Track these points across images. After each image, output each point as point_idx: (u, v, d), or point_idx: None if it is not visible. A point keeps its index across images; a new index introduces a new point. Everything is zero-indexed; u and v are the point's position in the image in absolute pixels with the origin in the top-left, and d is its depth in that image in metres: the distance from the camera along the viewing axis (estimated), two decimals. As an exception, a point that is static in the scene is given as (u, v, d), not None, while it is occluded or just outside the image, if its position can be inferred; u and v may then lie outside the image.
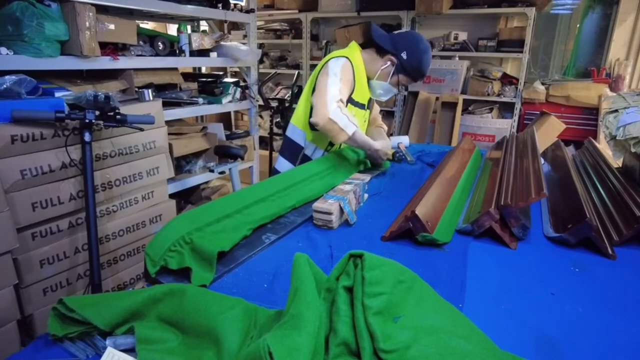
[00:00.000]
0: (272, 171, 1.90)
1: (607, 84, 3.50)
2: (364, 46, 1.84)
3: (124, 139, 1.81)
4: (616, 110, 1.61)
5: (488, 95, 3.78)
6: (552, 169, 1.74)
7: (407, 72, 1.72)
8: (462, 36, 3.89)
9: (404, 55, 1.70)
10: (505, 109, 3.96)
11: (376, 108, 1.97)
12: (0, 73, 1.55)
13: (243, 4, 2.94)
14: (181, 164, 2.54)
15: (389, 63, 1.73)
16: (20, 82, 1.54)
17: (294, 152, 1.82)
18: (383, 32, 1.81)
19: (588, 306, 0.85)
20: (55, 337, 0.72)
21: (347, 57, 1.68)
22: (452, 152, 1.90)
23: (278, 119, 3.86)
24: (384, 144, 1.73)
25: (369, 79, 1.80)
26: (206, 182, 3.19)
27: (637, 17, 3.56)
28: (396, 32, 1.94)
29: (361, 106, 1.77)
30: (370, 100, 1.86)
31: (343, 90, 1.61)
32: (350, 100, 1.70)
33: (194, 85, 2.71)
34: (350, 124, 1.56)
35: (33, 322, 1.60)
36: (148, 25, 3.15)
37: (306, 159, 1.79)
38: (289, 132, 1.85)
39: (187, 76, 2.84)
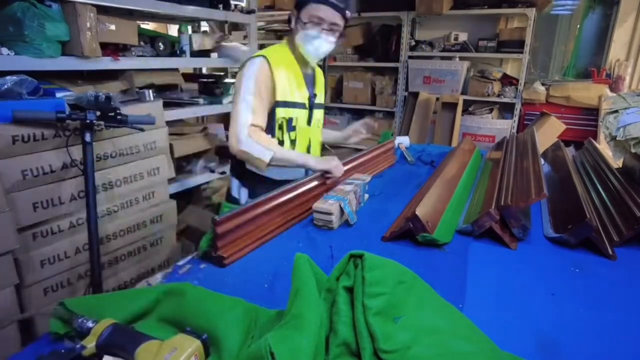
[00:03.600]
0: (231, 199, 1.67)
1: (607, 85, 3.50)
2: None
3: (124, 140, 1.82)
4: (616, 111, 1.61)
5: (488, 95, 3.78)
6: (552, 170, 1.75)
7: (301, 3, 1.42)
8: (462, 37, 3.89)
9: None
10: (506, 109, 3.96)
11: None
12: (1, 73, 1.55)
13: (244, 4, 2.94)
14: (182, 165, 2.54)
15: (292, 19, 1.46)
16: (21, 82, 1.55)
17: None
18: None
19: (588, 306, 0.85)
20: (57, 336, 0.73)
21: (263, 56, 1.44)
22: (453, 153, 1.90)
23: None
24: (318, 158, 1.49)
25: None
26: (207, 183, 3.19)
27: (637, 17, 3.56)
28: None
29: (300, 106, 1.51)
30: (315, 95, 1.58)
31: (257, 107, 1.42)
32: (279, 104, 1.46)
33: (194, 86, 2.72)
34: (265, 150, 1.39)
35: (33, 322, 1.60)
36: (149, 25, 3.15)
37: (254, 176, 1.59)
38: None
39: (187, 77, 2.84)
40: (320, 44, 1.42)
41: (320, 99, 1.62)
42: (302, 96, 1.52)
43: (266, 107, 1.46)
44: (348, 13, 1.46)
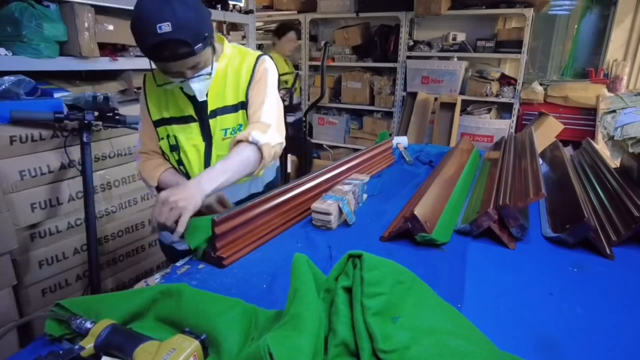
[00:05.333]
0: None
1: (605, 85, 3.51)
2: None
3: (123, 140, 1.81)
4: (614, 111, 1.61)
5: (486, 95, 3.79)
6: (551, 170, 1.75)
7: None
8: (461, 37, 3.89)
9: None
10: (504, 109, 3.97)
11: (254, 102, 1.24)
12: (-1, 74, 1.55)
13: (242, 4, 2.94)
14: (180, 165, 2.54)
15: None
16: (19, 82, 1.54)
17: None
18: None
19: (586, 306, 0.86)
20: (53, 338, 0.72)
21: (145, 75, 1.31)
22: (451, 153, 1.91)
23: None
24: (175, 191, 1.02)
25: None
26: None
27: (634, 18, 3.57)
28: None
29: (185, 120, 1.24)
30: (202, 104, 1.23)
31: (143, 131, 1.31)
32: (162, 122, 1.26)
33: (193, 86, 2.71)
34: (147, 183, 1.29)
35: (32, 323, 1.60)
36: (147, 26, 3.14)
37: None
38: None
39: (186, 77, 2.83)
40: (189, 89, 1.17)
41: (218, 102, 1.24)
42: (180, 110, 1.25)
43: (148, 133, 1.30)
44: (201, 45, 1.07)
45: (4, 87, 1.50)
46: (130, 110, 1.78)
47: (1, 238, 1.41)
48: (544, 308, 0.85)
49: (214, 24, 3.28)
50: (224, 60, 1.25)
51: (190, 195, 1.00)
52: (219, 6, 2.61)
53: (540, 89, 3.63)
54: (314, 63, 4.60)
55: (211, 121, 1.25)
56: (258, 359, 0.57)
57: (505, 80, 3.78)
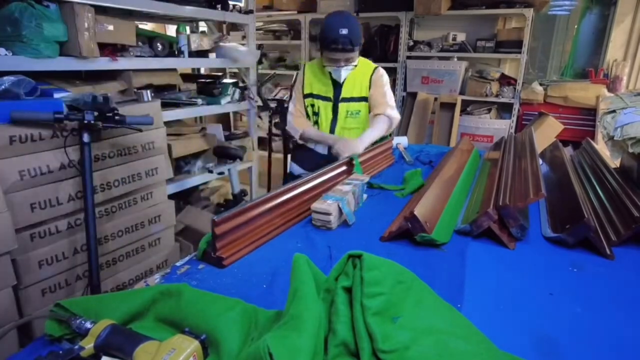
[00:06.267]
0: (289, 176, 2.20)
1: (605, 85, 3.51)
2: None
3: (122, 140, 1.81)
4: (614, 111, 1.61)
5: (486, 95, 3.79)
6: (551, 170, 1.75)
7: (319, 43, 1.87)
8: (461, 37, 3.89)
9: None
10: (504, 109, 3.97)
11: (377, 97, 1.97)
12: (-1, 74, 1.55)
13: (242, 5, 2.94)
14: (180, 165, 2.53)
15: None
16: (19, 82, 1.54)
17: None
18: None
19: (586, 306, 0.86)
20: (53, 338, 0.72)
21: (304, 64, 2.07)
22: (451, 153, 1.91)
23: (277, 120, 3.85)
24: (339, 141, 1.84)
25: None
26: (205, 183, 3.19)
27: (634, 18, 3.57)
28: None
29: (324, 99, 1.98)
30: (338, 91, 1.96)
31: (297, 101, 2.04)
32: (311, 95, 2.00)
33: (193, 86, 2.71)
34: (296, 129, 2.02)
35: (32, 323, 1.60)
36: (147, 26, 3.15)
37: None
38: None
39: (186, 77, 2.83)
40: (338, 73, 1.89)
41: (348, 93, 1.96)
42: (326, 91, 1.97)
43: (301, 104, 2.04)
44: (357, 47, 1.82)
45: (3, 87, 1.50)
46: (130, 111, 1.78)
47: (1, 238, 1.41)
48: (544, 308, 0.85)
49: (213, 24, 3.28)
50: (357, 67, 1.93)
51: (358, 146, 1.78)
52: (218, 6, 2.61)
53: (540, 89, 3.63)
54: (313, 63, 4.59)
55: (340, 104, 1.98)
56: (258, 359, 0.57)
57: (505, 81, 3.78)
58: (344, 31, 1.73)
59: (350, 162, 1.67)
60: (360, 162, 1.73)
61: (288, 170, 2.24)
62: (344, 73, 1.89)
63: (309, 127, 2.01)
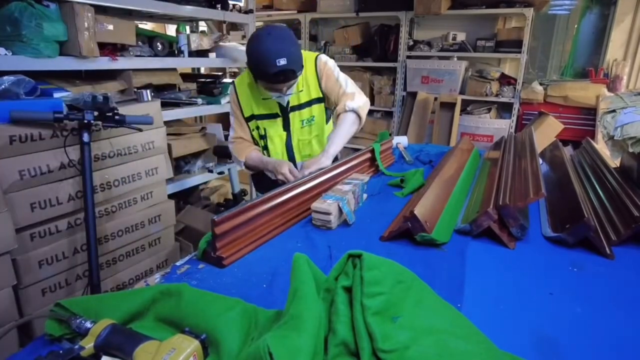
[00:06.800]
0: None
1: (605, 84, 3.51)
2: None
3: (122, 140, 1.81)
4: (614, 111, 1.62)
5: (486, 95, 3.79)
6: (551, 169, 1.75)
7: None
8: (461, 37, 3.89)
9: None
10: (504, 109, 3.97)
11: (331, 88, 1.66)
12: (-2, 74, 1.55)
13: (242, 4, 2.94)
14: (180, 165, 2.54)
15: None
16: (19, 82, 1.54)
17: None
18: None
19: (586, 306, 0.86)
20: (53, 338, 0.72)
21: (233, 82, 1.71)
22: (451, 153, 1.91)
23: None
24: (278, 162, 1.60)
25: None
26: (205, 183, 3.19)
27: (634, 17, 3.57)
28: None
29: (270, 117, 1.67)
30: (286, 103, 1.63)
31: (236, 126, 1.73)
32: (253, 117, 1.68)
33: (192, 86, 2.71)
34: (239, 160, 1.74)
35: (32, 323, 1.60)
36: (147, 25, 3.15)
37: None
38: None
39: (185, 77, 2.84)
40: (282, 99, 1.59)
41: (296, 100, 1.65)
42: (269, 108, 1.66)
43: (241, 126, 1.73)
44: (300, 72, 1.52)
45: (3, 86, 1.50)
46: (130, 110, 1.78)
47: (1, 238, 1.41)
48: (544, 308, 0.85)
49: (213, 23, 3.28)
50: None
51: (322, 162, 1.54)
52: (218, 6, 2.61)
53: (540, 88, 3.63)
54: (313, 63, 4.59)
55: (292, 115, 1.67)
56: (258, 359, 0.57)
57: (505, 80, 3.78)
58: (282, 61, 1.39)
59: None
60: (361, 161, 1.73)
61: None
62: (288, 97, 1.59)
63: (251, 152, 1.72)
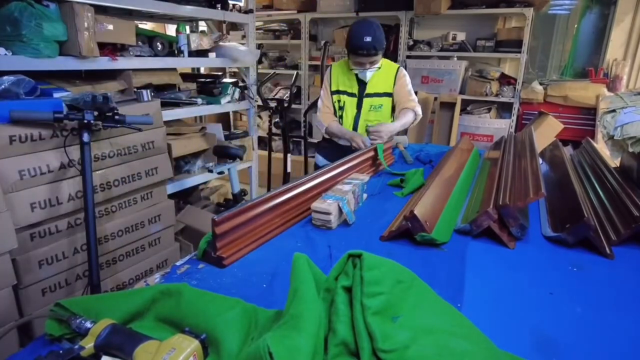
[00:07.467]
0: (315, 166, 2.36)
1: (605, 84, 3.51)
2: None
3: (122, 140, 1.81)
4: (614, 110, 1.61)
5: (486, 95, 3.79)
6: (550, 169, 1.75)
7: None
8: (461, 36, 3.89)
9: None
10: (504, 109, 3.97)
11: (402, 94, 2.17)
12: (-2, 74, 1.55)
13: (242, 4, 2.94)
14: (180, 165, 2.53)
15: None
16: (19, 82, 1.54)
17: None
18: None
19: (586, 306, 0.86)
20: (53, 337, 0.72)
21: (330, 65, 2.29)
22: (451, 152, 1.91)
23: (277, 120, 3.85)
24: (355, 133, 2.11)
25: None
26: (205, 183, 3.19)
27: (634, 17, 3.57)
28: None
29: (350, 95, 2.18)
30: (363, 88, 2.16)
31: (325, 97, 2.26)
32: (338, 92, 2.21)
33: (192, 86, 2.71)
34: (322, 124, 2.24)
35: (32, 323, 1.60)
36: (147, 25, 3.15)
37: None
38: None
39: (185, 77, 2.83)
40: (364, 74, 2.10)
41: (372, 90, 2.16)
42: (351, 87, 2.18)
43: (328, 99, 2.25)
44: (380, 52, 2.03)
45: (3, 86, 1.50)
46: (130, 110, 1.78)
47: (1, 238, 1.41)
48: (544, 307, 0.85)
49: (213, 23, 3.28)
50: (381, 67, 2.14)
51: (389, 126, 2.01)
52: (218, 6, 2.61)
53: (540, 88, 3.63)
54: (313, 62, 4.60)
55: (365, 99, 2.17)
56: (258, 359, 0.57)
57: (505, 80, 3.78)
58: (368, 39, 1.93)
59: (374, 149, 1.87)
60: (364, 160, 1.74)
61: (314, 162, 2.49)
62: (369, 74, 2.10)
63: (333, 123, 2.21)
